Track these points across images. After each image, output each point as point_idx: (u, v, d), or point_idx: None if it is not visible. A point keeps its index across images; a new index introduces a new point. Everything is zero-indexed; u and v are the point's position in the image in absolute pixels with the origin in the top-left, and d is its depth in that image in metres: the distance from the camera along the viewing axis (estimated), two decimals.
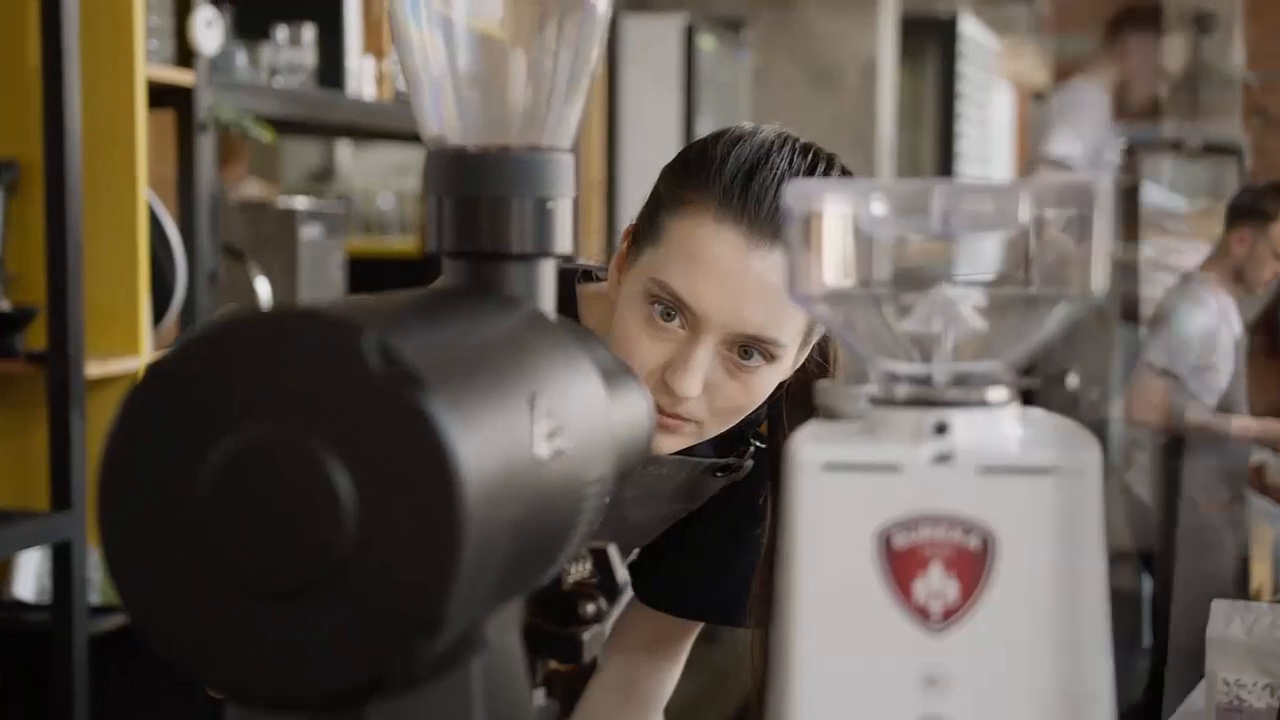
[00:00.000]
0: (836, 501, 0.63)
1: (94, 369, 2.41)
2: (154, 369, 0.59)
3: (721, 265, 1.20)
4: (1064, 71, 9.87)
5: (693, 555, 1.47)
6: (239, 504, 0.57)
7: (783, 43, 6.02)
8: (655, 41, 5.55)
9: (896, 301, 0.65)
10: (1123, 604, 4.49)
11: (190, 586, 0.59)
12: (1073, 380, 3.70)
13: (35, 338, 2.43)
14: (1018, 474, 0.62)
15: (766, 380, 1.26)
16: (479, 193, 0.73)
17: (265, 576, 0.57)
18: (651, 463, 1.34)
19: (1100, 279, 0.63)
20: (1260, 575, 4.67)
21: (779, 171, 1.23)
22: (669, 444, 1.27)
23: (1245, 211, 4.32)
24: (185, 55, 2.63)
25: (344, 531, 0.56)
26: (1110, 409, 4.61)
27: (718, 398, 1.24)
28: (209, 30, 2.58)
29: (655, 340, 1.23)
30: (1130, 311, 4.32)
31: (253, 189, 4.20)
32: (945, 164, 7.79)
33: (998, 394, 0.65)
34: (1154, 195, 4.73)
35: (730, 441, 1.39)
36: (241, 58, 2.95)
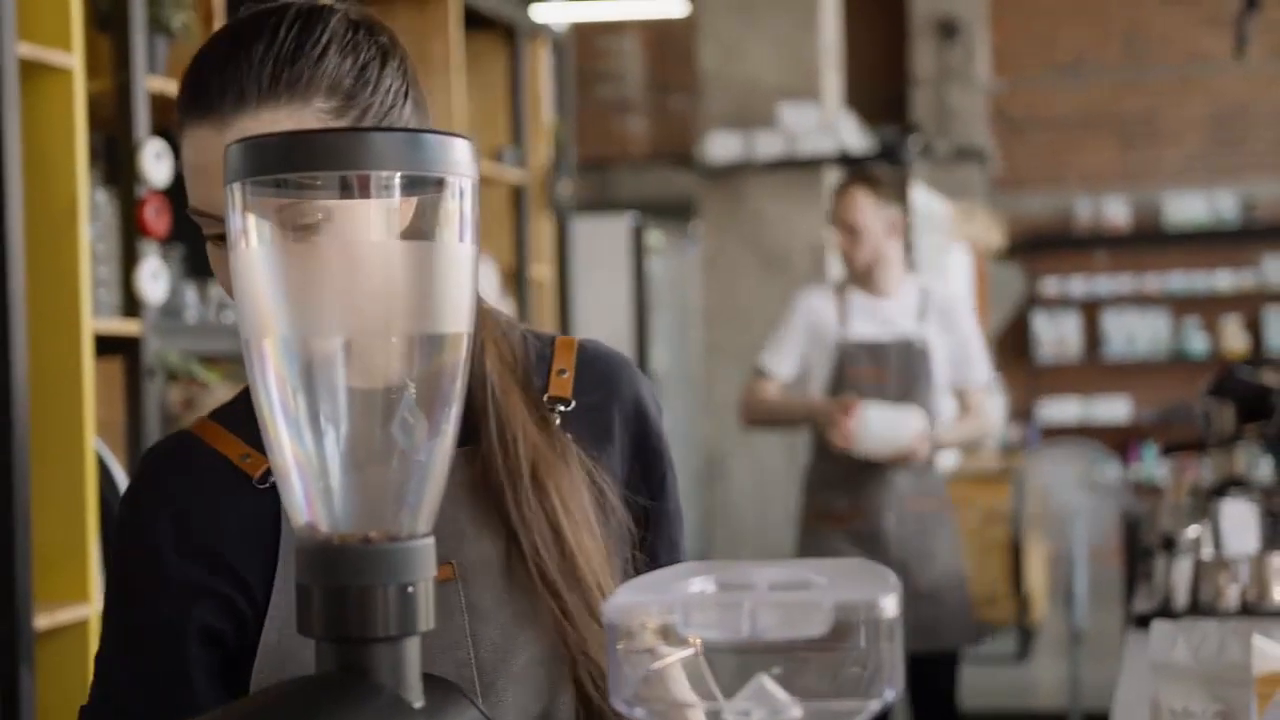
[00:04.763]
0: None
1: (43, 620, 2.43)
2: None
3: (206, 164, 1.16)
4: (1018, 229, 10.11)
5: None
6: None
7: (732, 230, 6.16)
8: (605, 238, 5.74)
9: (719, 702, 0.71)
10: None
11: None
12: None
13: None
14: None
15: None
16: (345, 583, 0.80)
17: None
18: None
19: (897, 681, 0.69)
20: None
21: (219, 42, 1.18)
22: None
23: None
24: (132, 303, 2.70)
25: None
26: None
27: None
28: (154, 281, 2.66)
29: (220, 261, 1.19)
30: None
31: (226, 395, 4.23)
32: None
33: None
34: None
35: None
36: (191, 295, 3.03)
